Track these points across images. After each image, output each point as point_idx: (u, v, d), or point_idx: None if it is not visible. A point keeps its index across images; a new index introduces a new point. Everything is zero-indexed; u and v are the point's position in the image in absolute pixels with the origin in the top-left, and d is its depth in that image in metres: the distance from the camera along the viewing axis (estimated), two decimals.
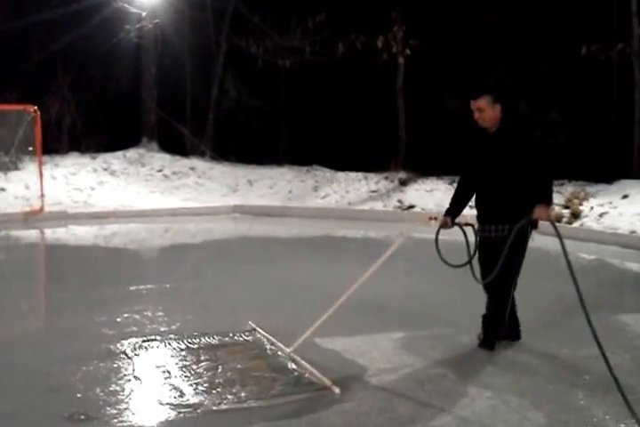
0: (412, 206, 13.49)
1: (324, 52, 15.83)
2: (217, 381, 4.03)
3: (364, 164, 15.37)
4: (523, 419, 3.46)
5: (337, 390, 3.82)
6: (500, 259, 4.20)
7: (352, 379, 4.03)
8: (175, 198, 14.26)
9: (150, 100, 17.74)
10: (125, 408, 3.60)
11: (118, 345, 4.65)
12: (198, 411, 3.58)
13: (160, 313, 5.62)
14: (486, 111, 4.44)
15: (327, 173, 15.83)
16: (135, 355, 4.46)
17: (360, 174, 15.33)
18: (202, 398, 3.77)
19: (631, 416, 3.29)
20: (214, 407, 3.65)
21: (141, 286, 6.70)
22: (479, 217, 4.66)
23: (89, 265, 8.38)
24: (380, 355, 4.50)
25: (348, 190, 14.81)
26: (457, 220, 4.69)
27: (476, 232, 4.59)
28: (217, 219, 12.83)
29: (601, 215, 10.89)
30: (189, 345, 4.71)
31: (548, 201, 4.34)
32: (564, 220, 11.04)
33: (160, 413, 3.57)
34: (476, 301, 4.72)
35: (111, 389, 3.86)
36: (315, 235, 11.45)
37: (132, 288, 6.59)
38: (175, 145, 17.33)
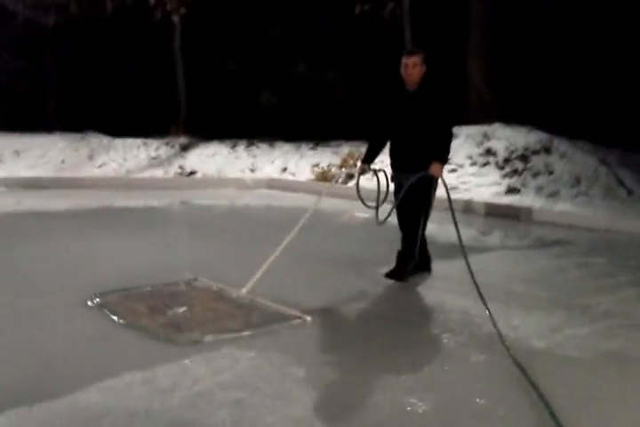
0: (193, 172, 13.19)
1: (92, 8, 14.78)
2: (197, 319, 4.15)
3: (143, 129, 14.70)
4: (283, 376, 3.43)
5: (309, 318, 4.22)
6: (409, 203, 5.00)
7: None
8: None
9: None
10: None
11: None
12: (200, 343, 3.73)
13: None
14: (417, 68, 5.02)
15: (103, 139, 14.93)
16: None
17: (139, 140, 14.67)
18: (199, 331, 3.89)
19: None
20: (215, 338, 3.80)
21: None
22: (393, 165, 5.28)
23: None
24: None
25: (127, 158, 14.12)
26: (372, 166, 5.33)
27: (390, 178, 5.25)
28: None
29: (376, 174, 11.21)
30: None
31: (442, 159, 5.00)
32: (340, 180, 11.20)
33: None
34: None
35: None
36: (91, 207, 10.69)
37: None
38: None
